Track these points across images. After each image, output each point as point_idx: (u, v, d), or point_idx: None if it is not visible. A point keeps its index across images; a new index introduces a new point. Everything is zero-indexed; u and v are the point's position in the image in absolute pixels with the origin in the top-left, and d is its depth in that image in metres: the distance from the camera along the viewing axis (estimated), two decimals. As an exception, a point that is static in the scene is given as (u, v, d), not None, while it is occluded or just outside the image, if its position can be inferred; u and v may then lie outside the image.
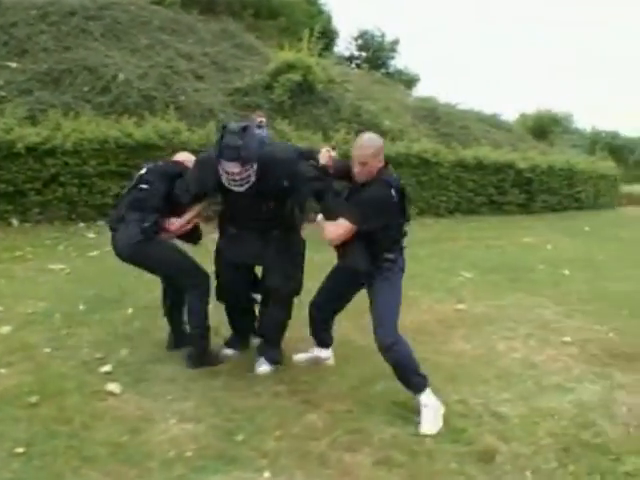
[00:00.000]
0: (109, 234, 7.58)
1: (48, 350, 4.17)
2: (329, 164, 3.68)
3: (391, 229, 3.53)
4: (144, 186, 3.89)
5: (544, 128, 22.62)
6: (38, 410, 3.38)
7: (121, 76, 9.61)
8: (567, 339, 5.27)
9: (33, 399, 3.48)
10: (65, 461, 2.91)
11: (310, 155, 3.78)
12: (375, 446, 3.26)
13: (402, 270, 3.65)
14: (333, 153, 3.80)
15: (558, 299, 6.56)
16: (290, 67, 10.99)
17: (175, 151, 8.35)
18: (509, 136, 16.15)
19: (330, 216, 3.49)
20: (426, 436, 3.36)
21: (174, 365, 4.06)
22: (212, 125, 9.18)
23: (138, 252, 3.89)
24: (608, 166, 16.52)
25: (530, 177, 13.03)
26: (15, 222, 7.83)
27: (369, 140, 3.41)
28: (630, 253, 9.82)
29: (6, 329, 4.48)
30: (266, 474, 2.93)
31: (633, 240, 11.04)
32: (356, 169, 3.40)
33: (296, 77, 10.87)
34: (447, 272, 7.49)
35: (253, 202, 3.69)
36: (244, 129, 3.42)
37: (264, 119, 9.13)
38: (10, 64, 9.39)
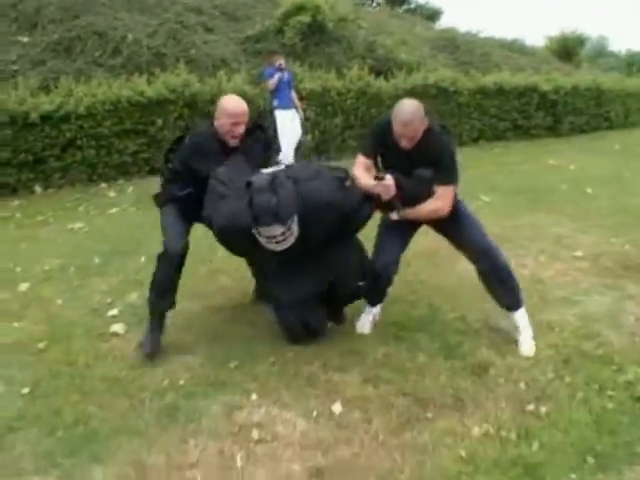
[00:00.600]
0: (129, 191, 7.93)
1: (60, 302, 4.33)
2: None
3: None
4: None
5: (569, 50, 21.83)
6: (45, 355, 3.56)
7: (130, 36, 9.63)
8: (579, 254, 5.22)
9: (41, 345, 3.66)
10: (65, 398, 3.07)
11: (346, 174, 3.35)
12: (367, 366, 3.33)
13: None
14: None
15: (576, 216, 6.44)
16: (299, 9, 10.83)
17: (187, 104, 8.64)
18: (532, 60, 15.61)
19: (417, 200, 3.37)
20: (423, 352, 3.43)
21: (180, 304, 4.18)
22: (222, 74, 9.18)
23: None
24: (637, 84, 15.83)
25: (555, 99, 12.61)
26: (38, 189, 8.04)
27: (410, 113, 3.15)
28: (660, 169, 9.49)
29: (24, 286, 4.65)
30: (254, 396, 3.04)
31: (665, 158, 10.63)
32: (404, 142, 3.23)
33: (306, 18, 10.72)
34: (466, 196, 7.40)
35: (298, 244, 3.14)
36: (273, 181, 2.94)
37: (283, 61, 9.07)
38: (21, 39, 9.49)
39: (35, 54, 9.25)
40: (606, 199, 7.29)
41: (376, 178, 3.28)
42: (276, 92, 8.96)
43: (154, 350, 3.46)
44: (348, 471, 2.52)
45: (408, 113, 3.14)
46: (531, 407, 2.97)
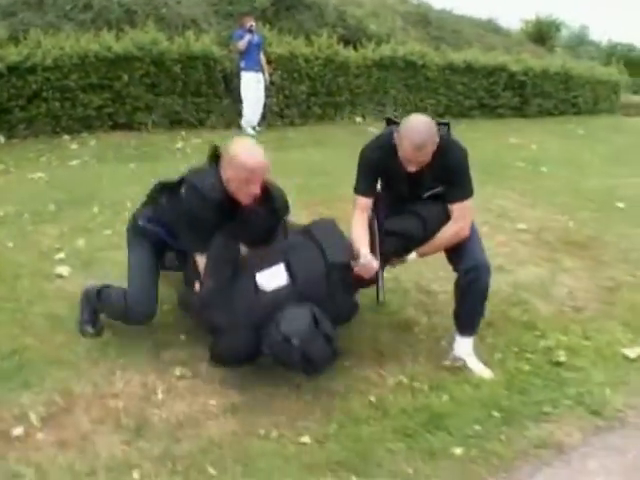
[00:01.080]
0: (91, 144, 7.99)
1: (11, 245, 4.43)
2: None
3: None
4: None
5: (543, 34, 22.07)
6: (-7, 293, 3.69)
7: (102, -9, 9.61)
8: (522, 226, 5.44)
9: (-13, 283, 3.79)
10: (5, 331, 3.20)
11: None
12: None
13: None
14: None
15: (526, 192, 6.66)
16: (272, -27, 10.89)
17: (154, 62, 8.67)
18: (505, 41, 15.81)
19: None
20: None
21: (124, 250, 4.33)
22: (191, 34, 9.22)
23: None
24: (608, 72, 16.06)
25: (523, 80, 12.81)
26: (2, 139, 8.07)
27: (424, 136, 2.71)
28: (619, 154, 9.74)
29: (-25, 231, 4.73)
30: (182, 337, 3.22)
31: (627, 145, 10.91)
32: (412, 167, 2.82)
33: (278, -18, 10.80)
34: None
35: None
36: (313, 320, 2.62)
37: (254, 23, 9.16)
38: (-7, -11, 9.43)
39: (6, 5, 9.25)
40: (559, 179, 7.52)
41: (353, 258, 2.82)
42: (244, 54, 9.05)
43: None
44: (262, 409, 2.71)
45: (421, 136, 2.71)
46: (447, 363, 3.17)
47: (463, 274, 3.01)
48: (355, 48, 11.08)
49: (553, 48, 20.73)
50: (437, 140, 2.76)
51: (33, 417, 2.53)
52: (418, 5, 15.61)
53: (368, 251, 2.84)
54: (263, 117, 9.86)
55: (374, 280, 2.98)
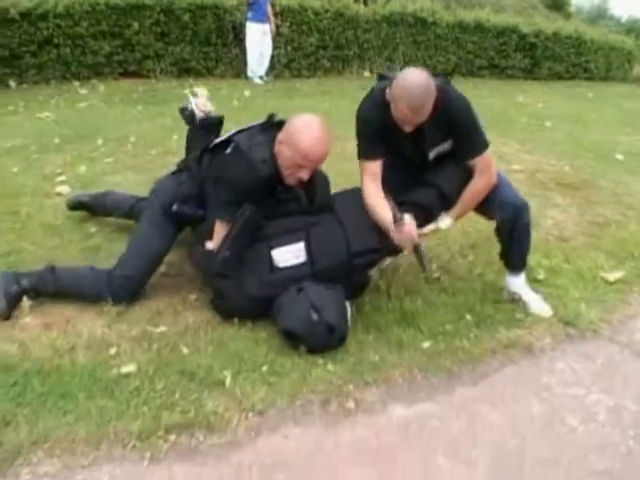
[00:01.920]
0: (100, 89, 8.08)
1: (15, 169, 4.57)
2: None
3: None
4: None
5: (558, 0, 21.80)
6: (-9, 206, 3.83)
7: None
8: (517, 167, 5.49)
9: (-11, 199, 3.93)
10: (3, 237, 3.36)
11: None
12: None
13: None
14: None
15: (526, 141, 6.68)
16: None
17: (164, 11, 8.74)
18: (518, 4, 15.58)
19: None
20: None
21: (124, 174, 4.46)
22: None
23: None
24: (622, 39, 15.78)
25: (534, 42, 12.66)
26: (13, 84, 8.18)
27: (422, 95, 2.41)
28: (626, 116, 9.66)
29: (-18, 158, 4.86)
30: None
31: (634, 109, 10.80)
32: (409, 128, 2.55)
33: None
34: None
35: None
36: (313, 311, 2.48)
37: None
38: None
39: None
40: (563, 132, 7.53)
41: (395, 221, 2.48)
42: (252, 4, 9.07)
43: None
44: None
45: (419, 96, 2.41)
46: (426, 274, 3.28)
47: (502, 221, 2.88)
48: (365, 3, 11.04)
49: (569, 16, 20.42)
50: (434, 95, 2.44)
51: (24, 305, 2.65)
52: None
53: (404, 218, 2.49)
54: (271, 68, 9.91)
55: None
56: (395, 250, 2.77)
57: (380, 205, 2.61)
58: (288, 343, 2.52)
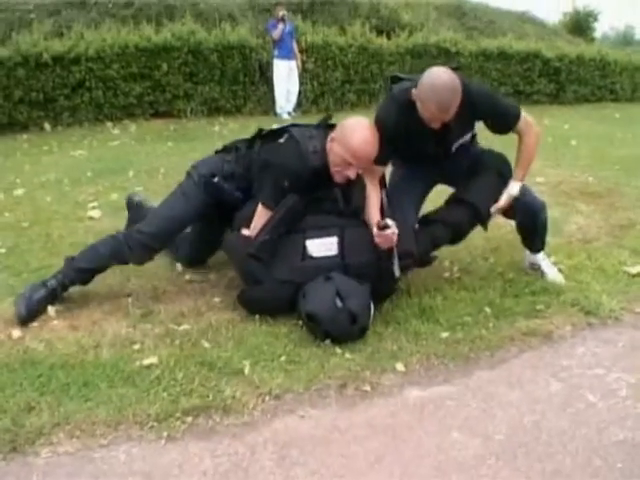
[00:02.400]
0: (132, 129, 8.36)
1: (49, 199, 4.75)
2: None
3: None
4: None
5: (581, 24, 21.83)
6: (27, 231, 3.99)
7: (143, -11, 10.07)
8: (540, 180, 5.47)
9: (25, 224, 4.09)
10: (35, 255, 3.51)
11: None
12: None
13: None
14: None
15: (550, 157, 6.65)
16: (308, -32, 11.20)
17: (192, 52, 9.04)
18: (541, 31, 15.59)
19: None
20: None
21: (155, 200, 4.57)
22: (227, 25, 9.55)
23: None
24: (646, 59, 15.76)
25: (558, 66, 12.66)
26: (48, 127, 8.50)
27: (451, 95, 2.52)
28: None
29: (20, 191, 5.06)
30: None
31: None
32: (436, 125, 2.66)
33: (313, -23, 11.10)
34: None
35: None
36: (337, 299, 2.55)
37: (285, 12, 9.43)
38: (40, -11, 9.98)
39: (51, 4, 9.74)
40: (588, 149, 7.47)
41: (378, 227, 2.62)
42: (278, 42, 9.33)
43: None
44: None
45: (448, 96, 2.52)
46: (447, 274, 3.32)
47: (522, 224, 3.20)
48: (388, 37, 11.21)
49: (592, 40, 20.42)
50: (460, 93, 2.54)
51: (50, 310, 2.77)
52: (453, -3, 15.74)
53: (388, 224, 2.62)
54: (298, 104, 10.11)
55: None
56: (422, 261, 2.92)
57: (376, 205, 2.82)
58: (308, 329, 2.57)
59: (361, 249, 2.74)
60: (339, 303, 2.51)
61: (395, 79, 2.91)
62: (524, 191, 3.03)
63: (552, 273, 3.28)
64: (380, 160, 2.81)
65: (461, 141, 2.91)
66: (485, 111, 2.78)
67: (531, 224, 3.17)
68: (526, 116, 2.88)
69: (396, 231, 2.61)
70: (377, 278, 2.74)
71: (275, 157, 2.75)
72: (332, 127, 2.81)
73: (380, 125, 2.76)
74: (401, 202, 2.98)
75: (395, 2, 12.44)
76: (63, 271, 2.83)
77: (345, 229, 2.77)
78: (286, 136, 2.78)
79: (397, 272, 2.71)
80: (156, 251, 2.92)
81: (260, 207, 2.74)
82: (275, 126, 2.96)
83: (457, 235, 3.04)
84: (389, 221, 2.63)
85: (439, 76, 2.55)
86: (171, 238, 2.97)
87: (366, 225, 2.78)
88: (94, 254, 2.87)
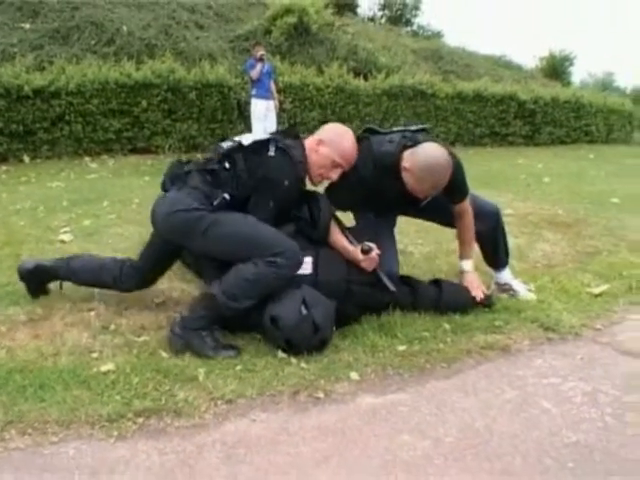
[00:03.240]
0: (110, 164, 8.41)
1: (22, 223, 4.76)
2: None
3: None
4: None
5: (556, 68, 22.43)
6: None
7: (124, 28, 10.27)
8: (509, 212, 5.56)
9: (-4, 246, 4.10)
10: (4, 272, 3.50)
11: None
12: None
13: None
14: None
15: (521, 193, 6.80)
16: (286, 11, 11.45)
17: (171, 89, 9.18)
18: (517, 74, 16.02)
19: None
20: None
21: (126, 227, 4.62)
22: (206, 64, 9.73)
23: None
24: (620, 102, 16.13)
25: (533, 108, 12.97)
26: (26, 159, 8.54)
27: (446, 174, 2.73)
28: (627, 170, 9.76)
29: (-6, 217, 5.06)
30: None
31: (636, 164, 10.92)
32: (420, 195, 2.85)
33: (292, 20, 11.32)
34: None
35: None
36: (302, 305, 2.58)
37: (264, 52, 9.57)
38: (23, 25, 10.13)
39: (34, 39, 9.88)
40: (560, 185, 7.63)
41: (362, 252, 2.79)
42: (256, 82, 9.47)
43: None
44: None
45: (445, 176, 2.74)
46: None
47: (487, 230, 3.27)
48: (365, 78, 11.45)
49: (569, 84, 20.94)
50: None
51: (16, 320, 2.79)
52: (430, 42, 16.11)
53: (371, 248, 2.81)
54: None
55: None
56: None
57: (341, 239, 2.91)
58: (268, 335, 2.60)
59: (332, 267, 2.83)
60: (304, 310, 2.54)
61: (371, 131, 3.03)
62: (474, 197, 3.19)
63: (523, 291, 3.37)
64: (340, 205, 3.06)
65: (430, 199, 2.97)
66: (453, 181, 2.85)
67: (491, 230, 3.29)
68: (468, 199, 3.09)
69: (378, 252, 2.80)
70: (344, 299, 2.78)
71: (272, 172, 2.68)
72: (298, 137, 2.88)
73: (356, 177, 2.88)
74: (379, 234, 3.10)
75: (373, 45, 12.73)
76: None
77: (320, 250, 2.85)
78: (273, 148, 2.71)
79: (392, 286, 2.86)
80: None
81: None
82: (249, 136, 2.88)
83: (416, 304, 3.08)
84: (370, 244, 2.79)
85: (437, 159, 2.71)
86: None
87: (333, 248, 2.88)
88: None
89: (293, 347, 2.52)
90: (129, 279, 2.92)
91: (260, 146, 2.74)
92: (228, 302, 2.51)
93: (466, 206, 3.09)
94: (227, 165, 2.73)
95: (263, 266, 2.51)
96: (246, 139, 2.80)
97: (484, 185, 7.09)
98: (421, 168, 2.69)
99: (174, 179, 2.78)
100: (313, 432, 2.02)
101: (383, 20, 22.84)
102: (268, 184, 2.69)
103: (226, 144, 2.80)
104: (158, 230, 2.77)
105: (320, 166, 2.79)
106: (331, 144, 2.78)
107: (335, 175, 2.83)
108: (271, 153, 2.70)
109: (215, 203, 2.64)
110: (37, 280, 3.07)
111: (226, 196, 2.67)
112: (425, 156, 2.71)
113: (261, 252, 2.52)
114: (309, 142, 2.83)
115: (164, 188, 2.82)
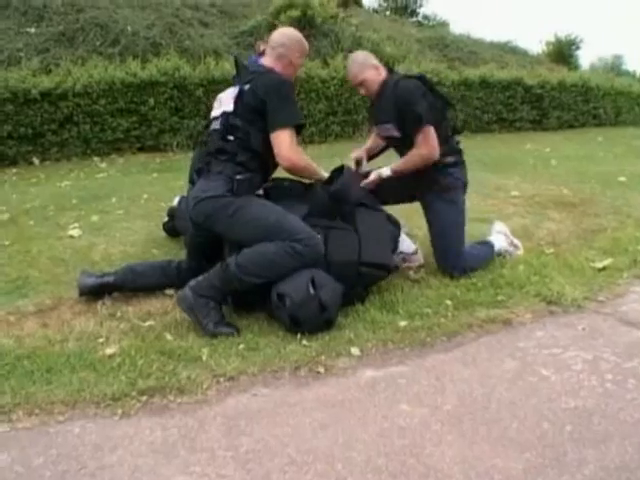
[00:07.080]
0: (119, 163, 8.48)
1: (32, 223, 4.83)
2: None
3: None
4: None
5: (563, 52, 22.19)
6: (8, 248, 4.02)
7: (129, 28, 10.31)
8: (515, 193, 5.58)
9: (7, 242, 4.14)
10: (14, 267, 3.57)
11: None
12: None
13: (464, 185, 3.49)
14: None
15: (528, 176, 6.75)
16: (290, 5, 11.43)
17: (177, 87, 9.25)
18: (523, 60, 15.87)
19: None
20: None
21: (133, 221, 4.68)
22: (211, 60, 9.75)
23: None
24: (628, 83, 15.91)
25: (540, 93, 12.81)
26: (36, 161, 8.61)
27: (352, 60, 3.39)
28: (634, 152, 9.65)
29: (4, 216, 5.12)
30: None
31: (645, 146, 10.82)
32: (362, 92, 3.39)
33: (295, 13, 11.29)
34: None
35: None
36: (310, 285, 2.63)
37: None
38: (29, 30, 10.21)
39: (40, 43, 9.93)
40: (567, 167, 7.57)
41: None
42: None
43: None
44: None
45: (349, 62, 3.40)
46: (413, 276, 3.37)
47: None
48: (372, 69, 11.33)
49: (575, 68, 20.69)
50: (368, 69, 3.28)
51: (25, 311, 2.84)
52: (435, 30, 16.02)
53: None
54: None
55: None
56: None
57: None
58: (275, 313, 2.64)
59: (343, 248, 2.85)
60: (312, 290, 2.57)
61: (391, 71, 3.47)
62: (455, 243, 3.34)
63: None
64: None
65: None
66: (394, 104, 3.16)
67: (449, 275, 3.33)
68: (428, 136, 3.13)
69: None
70: (354, 282, 2.83)
71: (272, 80, 3.05)
72: None
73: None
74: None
75: (378, 35, 12.67)
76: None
77: (330, 231, 2.89)
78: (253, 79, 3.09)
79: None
80: None
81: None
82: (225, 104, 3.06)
83: None
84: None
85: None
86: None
87: (351, 231, 2.94)
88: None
89: (298, 325, 2.56)
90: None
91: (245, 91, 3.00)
92: (239, 273, 2.59)
93: (420, 140, 3.14)
94: (230, 137, 2.86)
95: (282, 249, 2.61)
96: (226, 106, 2.99)
97: (491, 169, 7.14)
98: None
99: (199, 171, 2.96)
100: (313, 403, 2.06)
101: (388, 12, 22.72)
102: (276, 88, 2.91)
103: (213, 125, 3.01)
104: (191, 218, 2.86)
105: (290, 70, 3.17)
106: (288, 51, 3.15)
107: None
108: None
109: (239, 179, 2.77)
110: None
111: (239, 177, 2.77)
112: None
113: (283, 237, 2.63)
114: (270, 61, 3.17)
115: (192, 181, 3.05)
